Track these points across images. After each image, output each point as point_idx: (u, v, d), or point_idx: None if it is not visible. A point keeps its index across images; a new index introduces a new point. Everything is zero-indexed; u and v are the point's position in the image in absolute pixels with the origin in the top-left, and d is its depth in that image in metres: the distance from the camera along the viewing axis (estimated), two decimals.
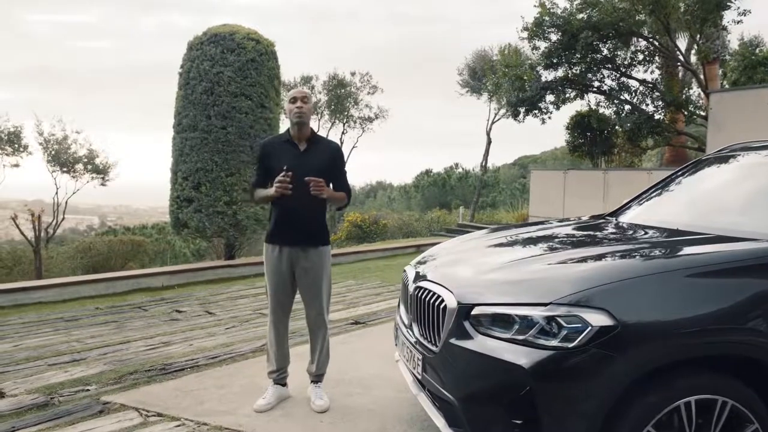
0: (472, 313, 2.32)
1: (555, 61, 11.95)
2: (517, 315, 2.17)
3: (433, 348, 2.47)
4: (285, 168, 3.09)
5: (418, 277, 2.84)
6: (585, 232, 3.29)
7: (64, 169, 17.36)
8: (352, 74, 22.32)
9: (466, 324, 2.33)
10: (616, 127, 12.93)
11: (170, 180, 10.42)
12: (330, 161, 3.36)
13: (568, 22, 11.40)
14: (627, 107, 12.34)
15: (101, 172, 17.77)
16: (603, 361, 2.03)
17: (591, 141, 13.48)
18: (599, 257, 2.52)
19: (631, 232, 3.08)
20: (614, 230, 3.25)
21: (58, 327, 5.47)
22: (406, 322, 2.92)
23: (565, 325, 2.06)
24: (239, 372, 4.00)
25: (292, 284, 3.38)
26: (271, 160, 3.32)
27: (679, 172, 3.68)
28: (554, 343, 2.06)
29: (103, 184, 18.11)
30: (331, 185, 3.39)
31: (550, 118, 12.97)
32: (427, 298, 2.60)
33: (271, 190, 3.17)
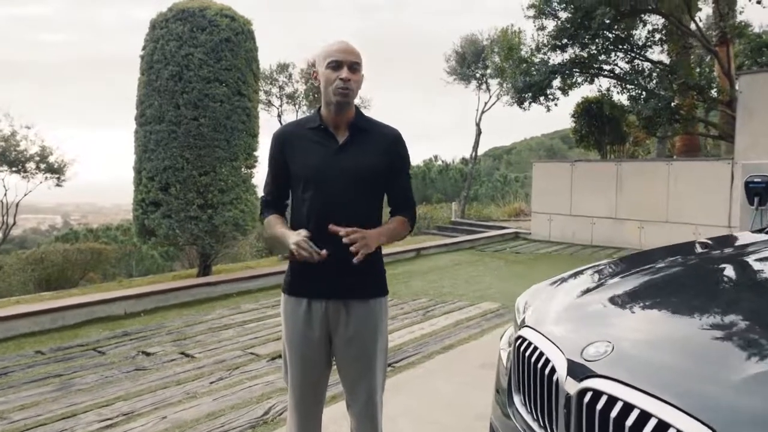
0: None
1: (564, 42, 10.80)
2: None
3: None
4: (307, 236, 1.91)
5: (578, 363, 1.58)
6: None
7: (14, 169, 15.62)
8: None
9: None
10: (628, 115, 11.86)
11: (133, 180, 8.91)
12: (386, 160, 2.08)
13: None
14: (642, 93, 11.25)
15: (56, 171, 16.06)
16: None
17: (599, 130, 12.40)
18: None
19: None
20: None
21: None
22: None
23: None
24: None
25: (327, 358, 2.10)
26: (295, 156, 2.04)
27: None
28: None
29: (58, 185, 16.39)
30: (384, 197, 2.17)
31: (556, 105, 11.87)
32: (628, 422, 1.34)
33: (287, 237, 1.94)
